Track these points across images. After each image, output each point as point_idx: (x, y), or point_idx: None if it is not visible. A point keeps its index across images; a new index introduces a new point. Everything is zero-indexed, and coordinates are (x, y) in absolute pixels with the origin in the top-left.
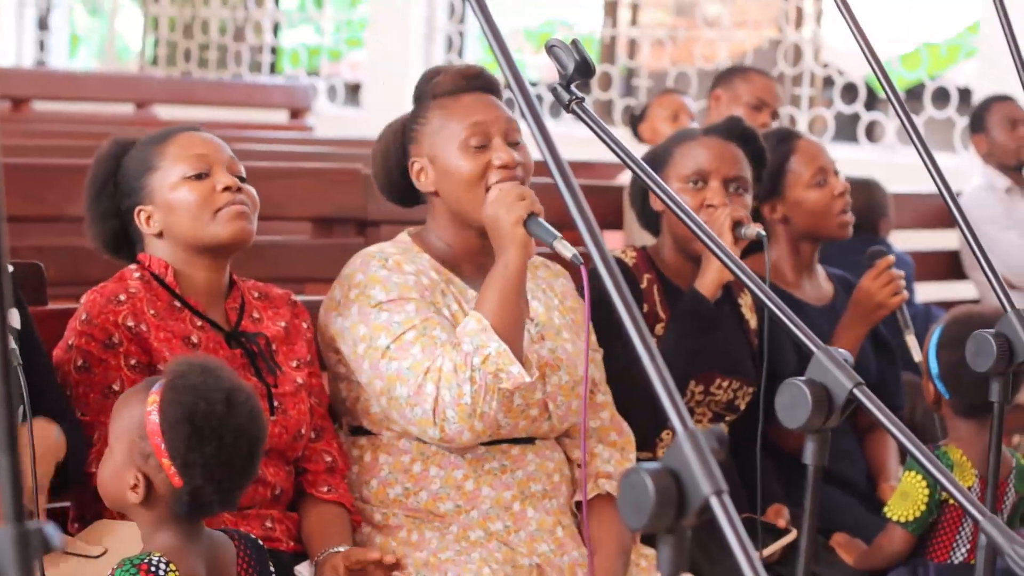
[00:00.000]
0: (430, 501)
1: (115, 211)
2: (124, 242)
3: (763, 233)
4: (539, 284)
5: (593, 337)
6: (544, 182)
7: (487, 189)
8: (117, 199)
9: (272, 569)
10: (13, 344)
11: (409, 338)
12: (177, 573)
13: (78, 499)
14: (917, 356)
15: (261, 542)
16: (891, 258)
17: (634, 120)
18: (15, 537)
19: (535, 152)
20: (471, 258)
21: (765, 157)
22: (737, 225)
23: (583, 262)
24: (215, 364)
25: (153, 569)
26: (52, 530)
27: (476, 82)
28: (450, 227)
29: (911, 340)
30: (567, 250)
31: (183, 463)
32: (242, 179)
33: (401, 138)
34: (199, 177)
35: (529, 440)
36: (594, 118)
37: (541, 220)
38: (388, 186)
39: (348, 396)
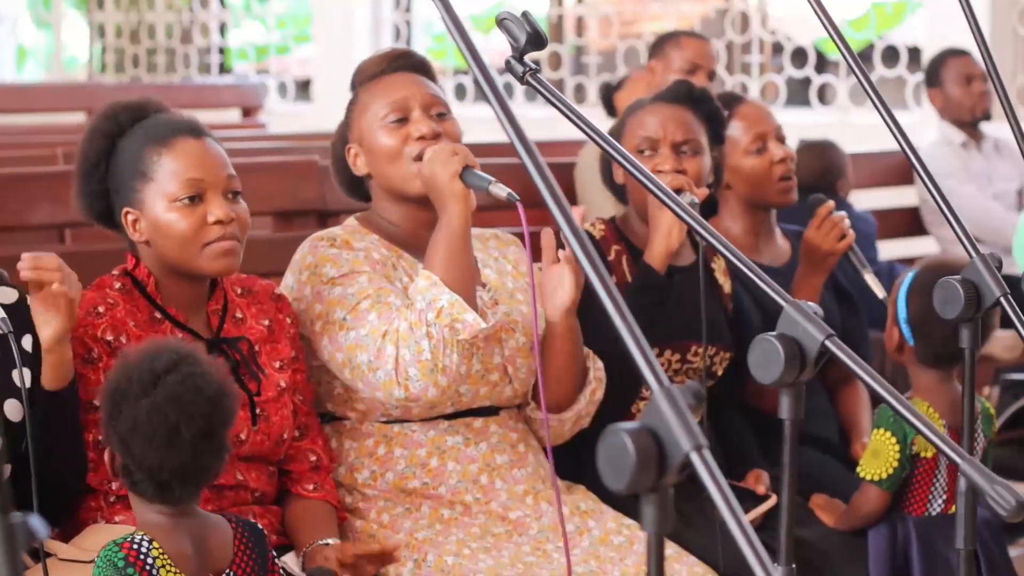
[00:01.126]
0: (397, 480)
1: (103, 193)
2: (108, 219)
3: (697, 202)
4: (490, 254)
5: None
6: (511, 162)
7: (415, 160)
8: (106, 184)
9: (274, 554)
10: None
11: (364, 307)
12: (160, 550)
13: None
14: (880, 293)
15: (262, 527)
16: (831, 203)
17: (610, 90)
18: (0, 530)
19: (500, 134)
20: (419, 233)
21: (720, 117)
22: (676, 193)
23: (519, 199)
24: (165, 344)
25: (135, 547)
26: (37, 522)
27: (398, 62)
28: (391, 207)
29: (870, 278)
30: (502, 190)
31: (106, 437)
32: (236, 193)
33: (343, 130)
34: (192, 200)
35: (492, 411)
36: (549, 88)
37: (476, 170)
38: (344, 182)
39: (312, 382)
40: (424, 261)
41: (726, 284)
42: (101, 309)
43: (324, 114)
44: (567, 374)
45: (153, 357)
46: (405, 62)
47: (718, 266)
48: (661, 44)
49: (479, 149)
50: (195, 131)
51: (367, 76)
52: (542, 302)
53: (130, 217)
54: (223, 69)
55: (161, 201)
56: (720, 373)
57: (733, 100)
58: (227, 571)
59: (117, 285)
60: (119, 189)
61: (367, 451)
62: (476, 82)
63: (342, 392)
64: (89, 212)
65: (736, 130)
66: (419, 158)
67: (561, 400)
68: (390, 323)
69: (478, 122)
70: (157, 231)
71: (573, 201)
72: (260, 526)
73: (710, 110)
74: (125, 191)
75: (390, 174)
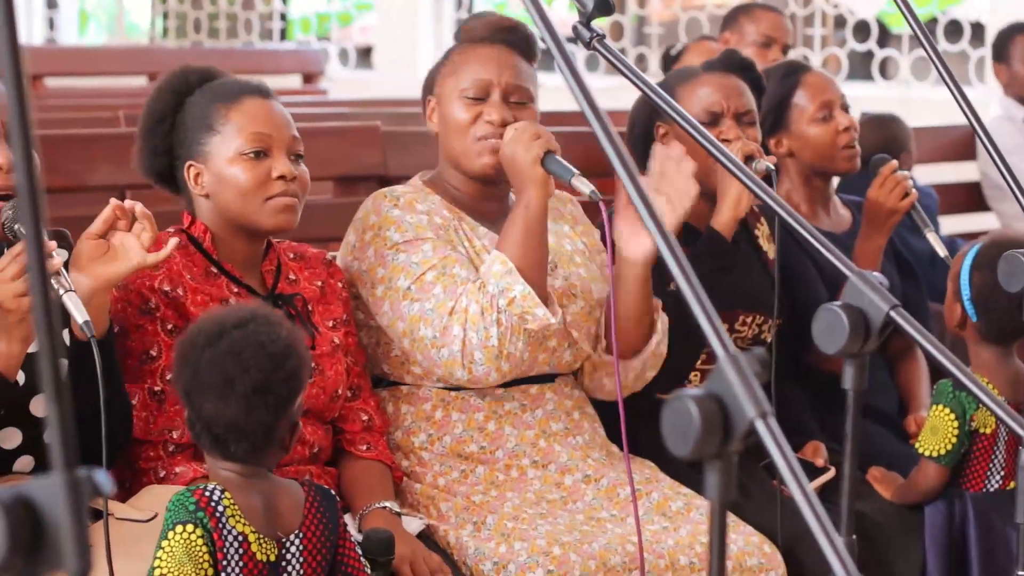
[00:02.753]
0: (455, 444)
1: (166, 150)
2: (169, 178)
3: (772, 167)
4: (548, 212)
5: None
6: (577, 131)
7: (477, 141)
8: (171, 140)
9: (344, 521)
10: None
11: (429, 278)
12: (231, 499)
13: (116, 465)
14: (942, 252)
15: (333, 492)
16: (894, 163)
17: (668, 62)
18: (66, 484)
19: (562, 104)
20: (481, 202)
21: (763, 85)
22: (748, 160)
23: (601, 199)
24: (245, 306)
25: (207, 494)
26: (103, 476)
27: (501, 35)
28: (455, 173)
29: (932, 237)
30: (585, 186)
31: (174, 388)
32: (299, 156)
33: (430, 79)
34: (257, 155)
35: (548, 378)
36: (615, 54)
37: (558, 157)
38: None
39: (368, 343)
40: (498, 242)
41: (770, 250)
42: None
43: (386, 82)
44: (636, 322)
45: (227, 314)
46: (510, 37)
47: (761, 231)
48: (735, 16)
49: (541, 118)
50: (263, 92)
51: (469, 37)
52: (621, 241)
53: (192, 171)
54: (284, 37)
55: (227, 154)
56: (769, 340)
57: (798, 69)
58: (296, 532)
59: (173, 239)
60: (183, 143)
61: (424, 415)
62: (541, 51)
63: (399, 355)
64: (149, 169)
65: (802, 98)
66: (484, 138)
67: (627, 348)
68: (457, 300)
69: (538, 90)
70: (220, 183)
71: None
72: (333, 492)
73: (754, 79)
74: (190, 145)
75: (454, 144)
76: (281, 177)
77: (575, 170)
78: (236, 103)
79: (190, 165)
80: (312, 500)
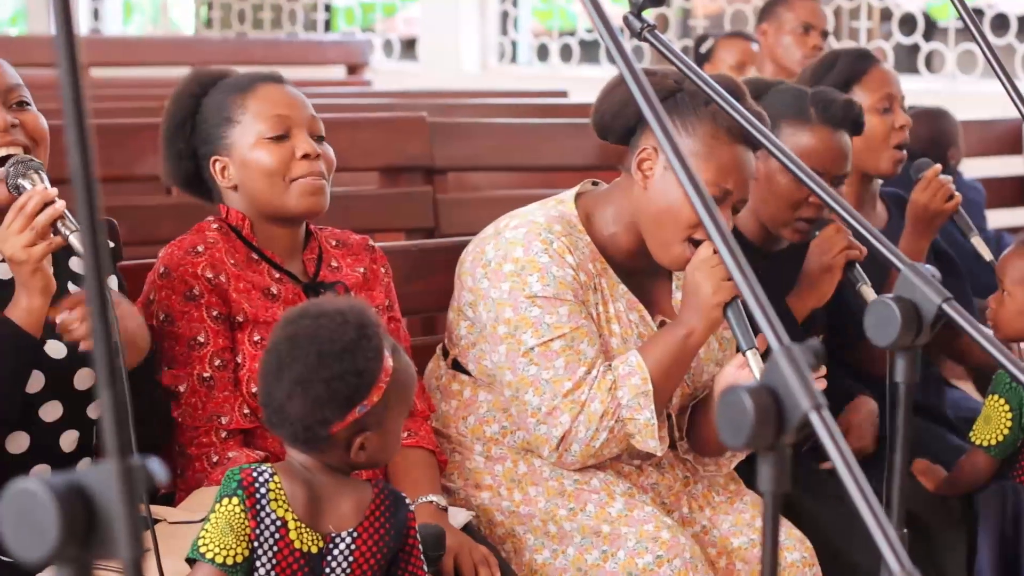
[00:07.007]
0: (526, 443)
1: (190, 153)
2: (197, 182)
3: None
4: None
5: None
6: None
7: (688, 240)
8: (193, 142)
9: (415, 525)
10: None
11: (556, 347)
12: (279, 483)
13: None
14: (988, 257)
15: (404, 496)
16: (938, 167)
17: (699, 58)
18: (120, 472)
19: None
20: (633, 255)
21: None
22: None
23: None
24: (343, 301)
25: (254, 475)
26: (157, 465)
27: (750, 137)
28: (628, 220)
29: (977, 241)
30: (756, 366)
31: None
32: (321, 138)
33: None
34: (278, 139)
35: None
36: (667, 44)
37: (741, 310)
38: (609, 126)
39: (466, 336)
40: (646, 347)
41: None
42: (200, 248)
43: (430, 73)
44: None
45: (316, 303)
46: (747, 139)
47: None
48: (771, 6)
49: (583, 110)
50: (276, 78)
51: (723, 122)
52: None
53: (218, 165)
54: (328, 28)
55: (248, 140)
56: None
57: (870, 58)
58: (351, 530)
59: (215, 226)
60: (206, 140)
61: (501, 406)
62: (581, 43)
63: (491, 367)
64: (176, 175)
65: (867, 85)
66: (693, 242)
67: (720, 448)
68: (579, 384)
69: (583, 82)
70: (245, 171)
71: None
72: (405, 497)
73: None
74: (212, 141)
75: (659, 226)
76: (305, 156)
77: (753, 343)
78: (251, 91)
79: (215, 160)
80: (379, 503)
